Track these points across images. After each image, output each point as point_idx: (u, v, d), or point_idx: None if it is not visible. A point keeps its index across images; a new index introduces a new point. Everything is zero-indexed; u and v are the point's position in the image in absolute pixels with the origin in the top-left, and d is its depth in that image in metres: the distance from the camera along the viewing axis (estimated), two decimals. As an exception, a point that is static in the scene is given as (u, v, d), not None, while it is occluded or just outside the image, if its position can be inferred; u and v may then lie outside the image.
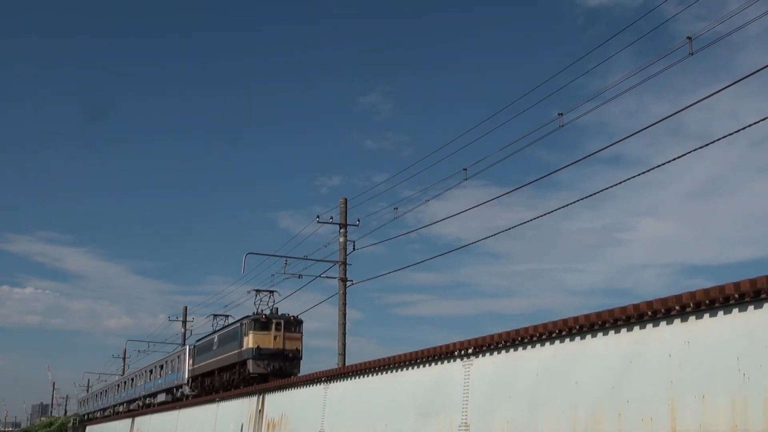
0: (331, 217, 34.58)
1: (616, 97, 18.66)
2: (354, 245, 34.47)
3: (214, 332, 43.55)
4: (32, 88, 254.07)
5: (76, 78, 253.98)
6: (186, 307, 67.14)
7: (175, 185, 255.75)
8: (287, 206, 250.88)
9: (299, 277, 35.29)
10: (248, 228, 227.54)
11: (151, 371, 60.03)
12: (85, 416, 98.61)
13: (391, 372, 21.76)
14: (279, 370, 35.01)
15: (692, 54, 17.00)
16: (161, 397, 55.10)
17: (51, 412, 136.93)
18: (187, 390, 47.52)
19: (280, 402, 29.58)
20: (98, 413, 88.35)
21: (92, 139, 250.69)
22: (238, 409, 34.23)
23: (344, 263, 33.61)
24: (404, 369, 21.10)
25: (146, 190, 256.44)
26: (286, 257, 35.76)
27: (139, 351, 78.79)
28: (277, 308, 38.40)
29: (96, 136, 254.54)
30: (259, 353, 35.35)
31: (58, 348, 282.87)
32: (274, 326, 36.16)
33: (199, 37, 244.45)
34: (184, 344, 61.39)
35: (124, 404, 71.00)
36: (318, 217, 34.30)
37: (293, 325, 36.64)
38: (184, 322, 66.37)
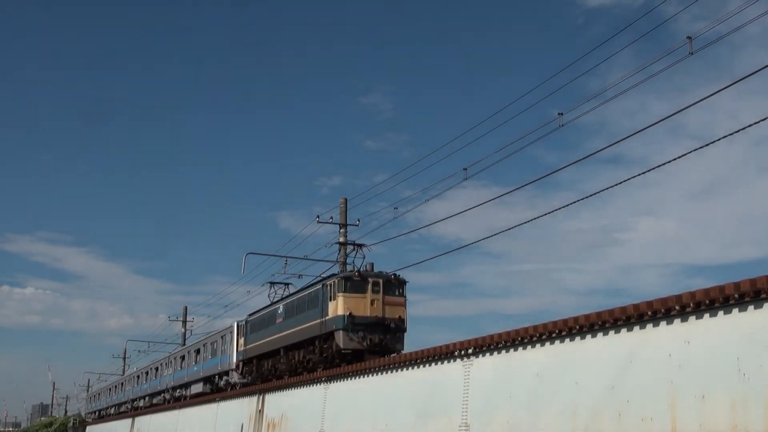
0: (331, 217, 34.53)
1: (616, 97, 18.63)
2: (355, 243, 34.38)
3: (277, 301, 34.13)
4: (32, 88, 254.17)
5: (76, 78, 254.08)
6: (186, 307, 67.07)
7: (176, 185, 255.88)
8: (287, 206, 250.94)
9: (299, 277, 35.18)
10: (248, 228, 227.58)
11: (182, 357, 50.65)
12: (95, 414, 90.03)
13: (391, 372, 21.75)
14: (378, 344, 26.27)
15: (692, 54, 16.97)
16: (197, 388, 45.66)
17: (51, 412, 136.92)
18: (235, 377, 38.18)
19: (280, 402, 29.58)
20: (112, 409, 78.77)
21: (92, 139, 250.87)
22: (238, 409, 34.22)
23: (344, 263, 33.56)
24: (404, 369, 21.10)
25: (146, 190, 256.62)
26: (286, 257, 35.65)
27: (139, 351, 78.67)
28: (372, 264, 28.72)
29: (96, 136, 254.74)
30: (352, 322, 26.36)
31: (58, 348, 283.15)
32: (370, 287, 27.02)
33: (199, 37, 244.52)
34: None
35: (146, 398, 61.53)
36: (318, 217, 34.23)
37: (395, 286, 27.67)
38: (184, 322, 66.34)
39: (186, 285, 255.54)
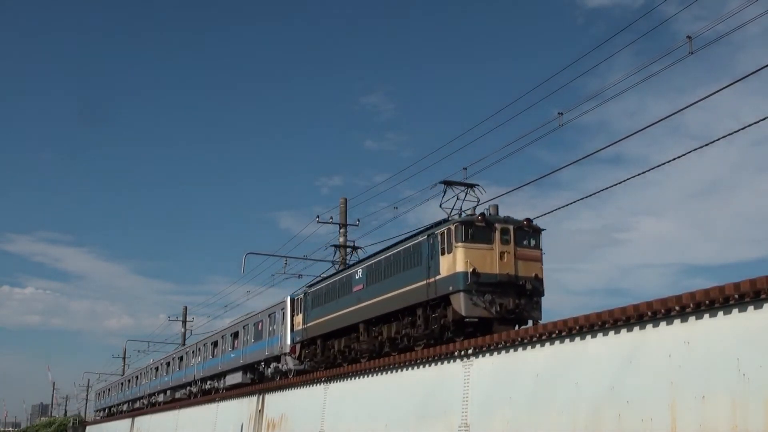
0: (331, 217, 34.56)
1: (616, 97, 18.60)
2: (354, 245, 34.39)
3: (352, 265, 27.58)
4: (33, 89, 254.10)
5: (76, 78, 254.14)
6: (186, 307, 66.99)
7: (176, 185, 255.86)
8: (288, 206, 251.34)
9: (299, 277, 35.15)
10: (248, 228, 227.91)
11: (213, 344, 42.91)
12: (104, 412, 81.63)
13: (391, 372, 21.75)
14: (512, 311, 19.89)
15: (692, 53, 16.99)
16: (234, 378, 38.14)
17: (51, 412, 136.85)
18: (290, 363, 31.10)
19: (280, 402, 29.56)
20: (125, 406, 70.18)
21: (93, 139, 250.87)
22: (238, 409, 34.18)
23: (344, 263, 33.53)
24: (404, 369, 21.09)
25: (146, 191, 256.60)
26: (286, 257, 35.64)
27: (139, 351, 78.54)
28: (496, 206, 21.55)
29: (96, 137, 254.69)
30: (477, 282, 19.66)
31: (58, 348, 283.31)
32: (498, 235, 20.34)
33: (199, 37, 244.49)
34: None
35: (166, 392, 54.21)
36: (318, 217, 34.27)
37: (530, 234, 21.10)
38: (184, 322, 66.32)
39: (186, 285, 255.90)
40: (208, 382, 43.30)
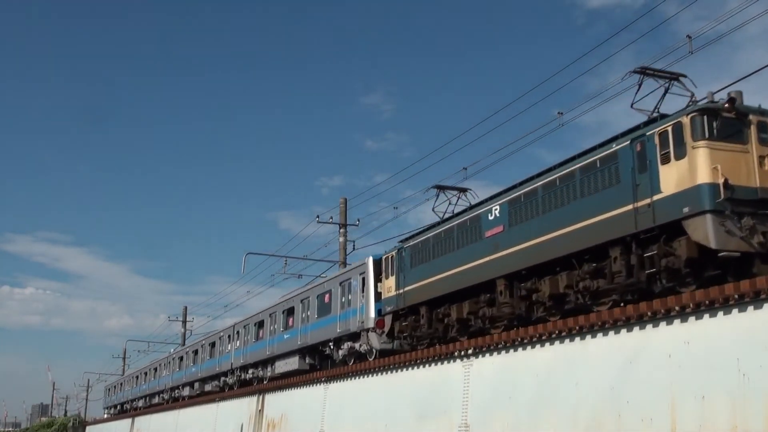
0: (331, 217, 34.55)
1: (616, 96, 18.51)
2: (354, 245, 34.37)
3: (482, 202, 20.17)
4: (33, 88, 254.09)
5: (76, 78, 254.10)
6: (186, 307, 66.86)
7: (176, 186, 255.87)
8: (288, 207, 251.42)
9: (299, 277, 35.11)
10: (248, 228, 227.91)
11: (258, 324, 35.19)
12: (116, 408, 72.98)
13: (391, 372, 21.75)
14: None
15: (692, 53, 16.99)
16: (289, 364, 30.71)
17: (51, 413, 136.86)
18: (375, 342, 24.17)
19: (280, 402, 29.56)
20: (140, 402, 61.74)
21: (93, 139, 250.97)
22: (238, 409, 34.18)
23: (344, 263, 33.54)
24: (404, 370, 21.09)
25: (147, 191, 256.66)
26: (286, 257, 35.55)
27: (139, 351, 78.44)
28: (739, 92, 14.68)
29: (97, 137, 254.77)
30: (730, 198, 13.47)
31: (58, 348, 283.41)
32: (755, 133, 14.20)
33: (200, 38, 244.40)
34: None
35: (194, 385, 45.89)
36: (318, 217, 34.24)
37: None
38: (184, 322, 66.29)
39: (186, 285, 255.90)
40: (250, 371, 35.79)
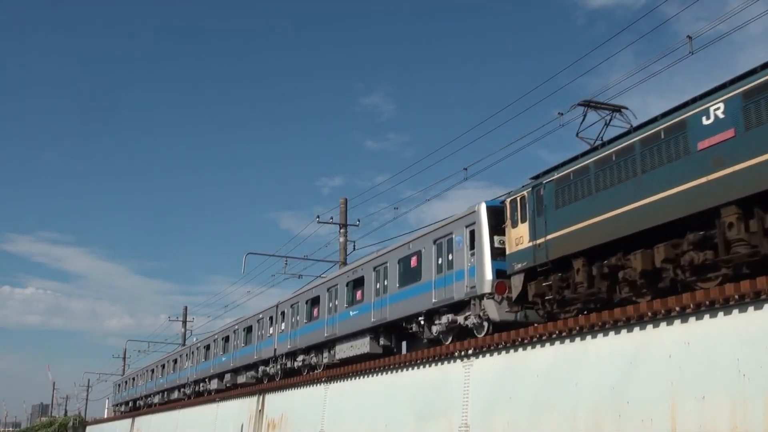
0: (331, 218, 34.57)
1: (616, 96, 18.45)
2: (354, 245, 34.36)
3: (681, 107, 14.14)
4: (33, 88, 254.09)
5: (77, 77, 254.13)
6: (186, 307, 66.84)
7: (176, 186, 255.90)
8: (289, 207, 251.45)
9: (299, 277, 35.09)
10: (249, 228, 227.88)
11: (312, 301, 29.12)
12: (127, 405, 65.99)
13: (391, 373, 21.75)
14: None
15: (692, 53, 16.99)
16: (357, 347, 24.99)
17: (51, 412, 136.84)
18: (494, 311, 18.57)
19: (280, 402, 29.55)
20: (156, 397, 54.66)
21: (93, 139, 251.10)
22: (238, 409, 34.18)
23: (344, 263, 33.54)
24: (404, 370, 21.09)
25: (147, 191, 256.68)
26: (286, 257, 35.48)
27: (139, 351, 78.40)
28: None
29: (97, 137, 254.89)
30: None
31: (59, 348, 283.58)
32: None
33: (201, 37, 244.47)
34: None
35: (224, 376, 39.25)
36: (318, 217, 34.24)
37: None
38: (184, 322, 66.30)
39: (186, 285, 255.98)
40: (301, 358, 29.82)
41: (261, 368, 33.90)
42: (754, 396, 11.18)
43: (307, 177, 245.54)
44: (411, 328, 22.12)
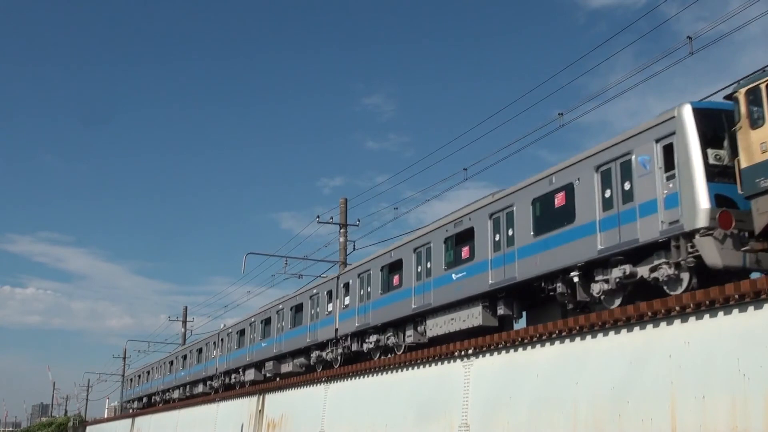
0: (332, 218, 34.57)
1: (617, 97, 18.47)
2: (354, 245, 34.35)
3: None
4: (35, 90, 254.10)
5: (78, 79, 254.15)
6: (186, 307, 66.81)
7: (177, 186, 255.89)
8: (289, 207, 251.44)
9: (299, 277, 35.11)
10: (249, 228, 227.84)
11: (390, 266, 23.73)
12: (140, 402, 60.62)
13: (391, 372, 21.75)
14: None
15: (692, 53, 17.02)
16: (461, 321, 19.92)
17: (51, 412, 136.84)
18: (715, 256, 13.08)
19: (280, 402, 29.55)
20: (176, 392, 49.02)
21: (94, 140, 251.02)
22: (238, 409, 34.17)
23: (344, 263, 33.53)
24: (404, 370, 21.09)
25: (147, 191, 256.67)
26: (286, 257, 35.40)
27: (139, 351, 78.31)
28: None
29: (97, 137, 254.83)
30: None
31: (59, 348, 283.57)
32: None
33: (201, 38, 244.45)
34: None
35: (264, 364, 33.75)
36: (318, 217, 34.23)
37: None
38: (184, 322, 66.30)
39: (186, 285, 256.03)
40: (374, 338, 24.37)
41: (317, 353, 28.25)
42: (754, 395, 11.18)
43: (308, 177, 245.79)
44: (553, 290, 16.92)
